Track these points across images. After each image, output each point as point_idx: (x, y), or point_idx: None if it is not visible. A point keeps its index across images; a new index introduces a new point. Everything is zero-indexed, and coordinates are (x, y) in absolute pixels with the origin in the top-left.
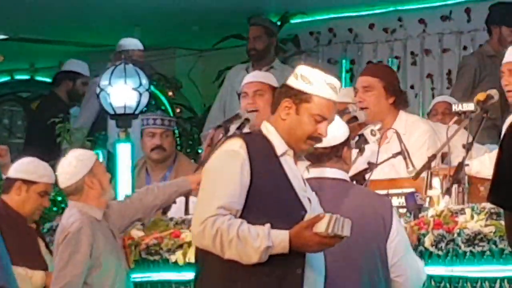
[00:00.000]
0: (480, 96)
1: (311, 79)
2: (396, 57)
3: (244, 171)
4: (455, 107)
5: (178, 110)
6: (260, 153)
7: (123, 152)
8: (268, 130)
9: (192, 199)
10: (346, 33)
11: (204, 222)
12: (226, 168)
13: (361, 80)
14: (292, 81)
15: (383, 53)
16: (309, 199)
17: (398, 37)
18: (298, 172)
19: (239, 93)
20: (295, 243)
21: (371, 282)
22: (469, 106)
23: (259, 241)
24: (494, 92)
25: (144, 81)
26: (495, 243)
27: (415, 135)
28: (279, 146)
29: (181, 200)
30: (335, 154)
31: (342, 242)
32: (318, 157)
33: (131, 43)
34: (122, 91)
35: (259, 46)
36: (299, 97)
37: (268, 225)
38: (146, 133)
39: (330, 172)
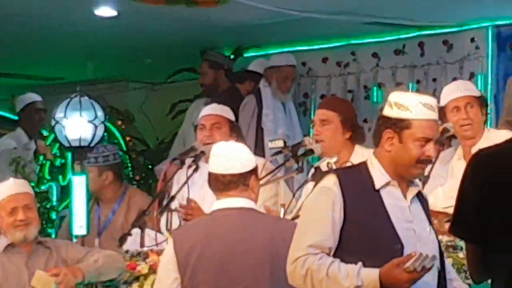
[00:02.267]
0: None
1: (406, 104)
2: (350, 91)
3: (336, 208)
4: None
5: (129, 140)
6: (356, 187)
7: (78, 184)
8: (372, 163)
9: (147, 231)
10: (299, 66)
11: (295, 262)
12: (318, 206)
13: (319, 113)
14: (387, 111)
15: (336, 86)
16: (414, 230)
17: (351, 70)
18: (404, 203)
19: (195, 125)
20: (385, 281)
21: None
22: None
23: (349, 280)
24: (450, 125)
25: (100, 113)
26: None
27: None
28: (380, 178)
29: (136, 232)
30: (243, 182)
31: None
32: (225, 184)
33: None
34: (77, 124)
35: (206, 81)
36: (399, 125)
37: (359, 264)
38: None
39: (236, 202)
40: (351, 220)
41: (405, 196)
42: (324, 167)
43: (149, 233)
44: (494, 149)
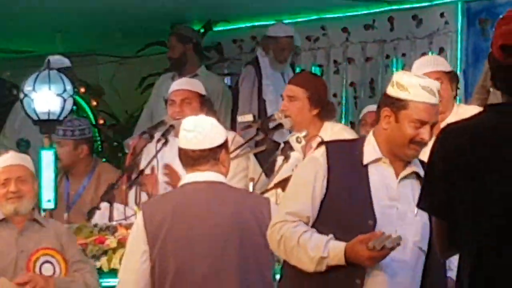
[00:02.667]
0: None
1: (406, 85)
2: (319, 65)
3: (319, 178)
4: None
5: (101, 121)
6: (344, 160)
7: (47, 158)
8: (369, 139)
9: (116, 205)
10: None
11: (273, 227)
12: (302, 175)
13: (287, 89)
14: (389, 90)
15: (306, 61)
16: (397, 209)
17: (321, 45)
18: (392, 181)
19: (166, 100)
20: (349, 256)
21: (248, 279)
22: None
23: (316, 251)
24: None
25: (68, 87)
26: None
27: None
28: (371, 154)
29: (105, 206)
30: (213, 157)
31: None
32: (195, 160)
33: None
34: (46, 97)
35: (174, 55)
36: (396, 104)
37: (330, 236)
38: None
39: (206, 175)
40: (332, 192)
41: (397, 175)
42: (293, 142)
43: (118, 207)
44: (462, 124)
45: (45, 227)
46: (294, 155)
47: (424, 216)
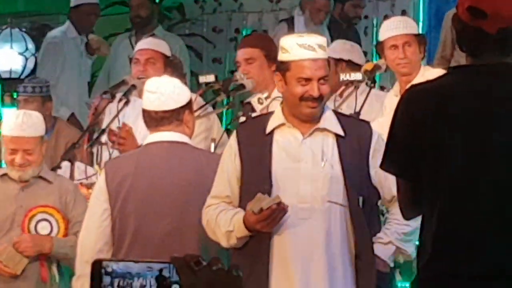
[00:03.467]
0: (368, 66)
1: (285, 46)
2: None
3: (232, 159)
4: (343, 77)
5: None
6: (251, 136)
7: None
8: (276, 108)
9: (77, 164)
10: (231, 2)
11: (203, 214)
12: (222, 161)
13: (241, 53)
14: (278, 55)
15: (268, 22)
16: (300, 169)
17: (283, 6)
18: (296, 142)
19: (130, 58)
20: (247, 224)
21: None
22: (357, 76)
23: (224, 226)
24: (381, 62)
25: (30, 45)
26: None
27: None
28: (274, 122)
29: (66, 165)
30: (176, 117)
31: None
32: (158, 121)
33: None
34: (7, 56)
35: (143, 13)
36: (283, 67)
37: (237, 210)
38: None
39: (169, 135)
40: (243, 168)
41: (304, 136)
42: (255, 102)
43: (79, 166)
44: (425, 85)
45: (52, 184)
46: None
47: (333, 170)
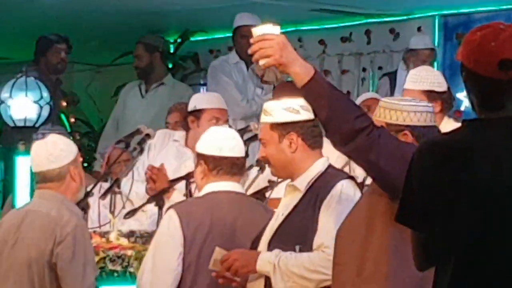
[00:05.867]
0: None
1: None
2: None
3: None
4: None
5: (72, 120)
6: None
7: (23, 165)
8: None
9: (90, 212)
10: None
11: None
12: None
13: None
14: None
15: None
16: None
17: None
18: None
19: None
20: None
21: None
22: None
23: None
24: None
25: (45, 94)
26: None
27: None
28: None
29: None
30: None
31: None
32: (240, 167)
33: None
34: (22, 104)
35: (140, 64)
36: None
37: None
38: None
39: (233, 186)
40: None
41: None
42: None
43: (92, 214)
44: (438, 139)
45: None
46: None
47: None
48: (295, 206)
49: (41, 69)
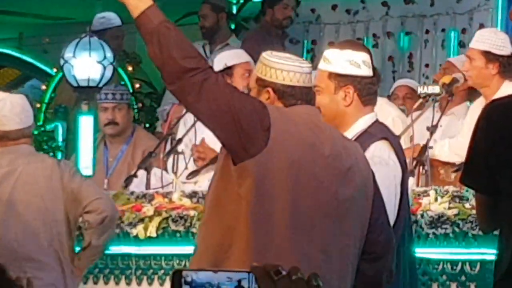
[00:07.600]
0: (446, 79)
1: None
2: (358, 39)
3: None
4: (420, 90)
5: (137, 85)
6: None
7: (85, 125)
8: None
9: (154, 170)
10: (308, 13)
11: None
12: None
13: None
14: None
15: (345, 34)
16: None
17: (360, 19)
18: None
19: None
20: None
21: None
22: (435, 89)
23: None
24: (459, 76)
25: (109, 54)
26: (458, 225)
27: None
28: None
29: (142, 173)
30: None
31: None
32: None
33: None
34: (86, 64)
35: (207, 24)
36: None
37: None
38: (100, 108)
39: None
40: None
41: None
42: None
43: (156, 172)
44: (505, 101)
45: None
46: None
47: None
48: None
49: (265, 21)
